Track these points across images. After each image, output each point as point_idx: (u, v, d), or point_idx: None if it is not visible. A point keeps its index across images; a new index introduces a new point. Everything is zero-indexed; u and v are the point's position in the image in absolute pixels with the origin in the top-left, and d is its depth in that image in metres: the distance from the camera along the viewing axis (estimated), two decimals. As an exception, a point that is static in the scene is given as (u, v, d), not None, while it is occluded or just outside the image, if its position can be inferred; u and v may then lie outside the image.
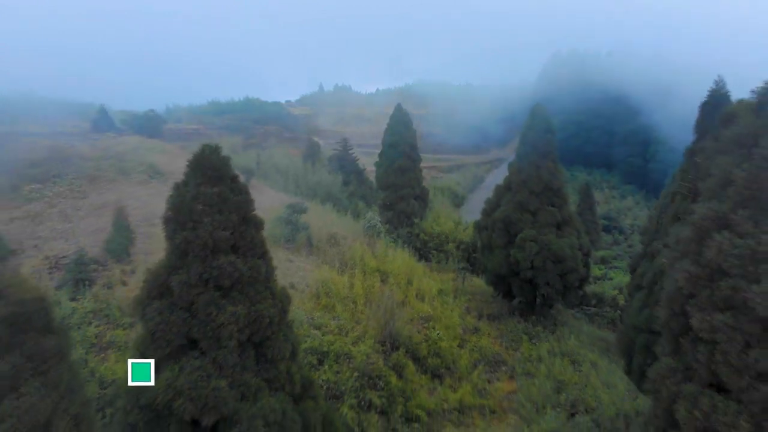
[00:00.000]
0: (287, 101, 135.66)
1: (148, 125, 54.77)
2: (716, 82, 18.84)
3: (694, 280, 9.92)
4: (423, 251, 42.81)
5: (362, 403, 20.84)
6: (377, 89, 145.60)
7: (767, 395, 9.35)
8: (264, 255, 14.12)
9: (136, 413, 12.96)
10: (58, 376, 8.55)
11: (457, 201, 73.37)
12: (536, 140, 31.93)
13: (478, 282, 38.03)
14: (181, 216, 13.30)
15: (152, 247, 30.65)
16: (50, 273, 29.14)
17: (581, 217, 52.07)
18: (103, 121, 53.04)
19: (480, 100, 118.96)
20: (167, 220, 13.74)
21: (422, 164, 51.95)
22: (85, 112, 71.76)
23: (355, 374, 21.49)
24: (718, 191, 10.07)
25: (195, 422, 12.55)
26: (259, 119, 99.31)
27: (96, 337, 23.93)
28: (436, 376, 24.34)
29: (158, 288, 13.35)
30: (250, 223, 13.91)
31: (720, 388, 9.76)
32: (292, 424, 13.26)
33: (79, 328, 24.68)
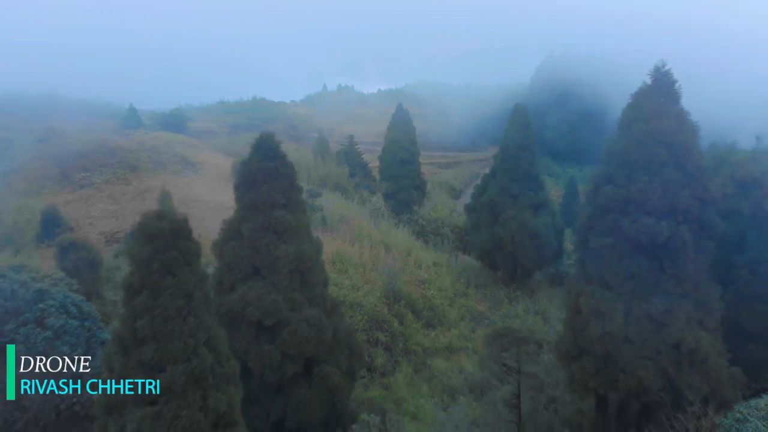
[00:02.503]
0: (292, 101, 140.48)
1: (174, 123, 60.28)
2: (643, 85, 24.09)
3: (591, 216, 15.42)
4: (421, 234, 48.20)
5: (371, 339, 26.35)
6: (378, 90, 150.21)
7: (633, 287, 14.87)
8: (304, 211, 19.69)
9: (217, 319, 18.45)
10: (197, 266, 13.98)
11: (454, 195, 78.73)
12: (517, 135, 37.39)
13: (469, 259, 43.36)
14: (248, 182, 18.87)
15: (191, 225, 36.11)
16: (107, 244, 34.72)
17: (567, 208, 57.57)
18: (132, 118, 58.56)
19: (477, 100, 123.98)
20: (237, 186, 19.34)
21: (422, 161, 57.63)
22: (104, 110, 77.09)
23: (366, 318, 27.00)
24: (607, 158, 15.58)
25: (259, 324, 18.05)
26: (267, 118, 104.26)
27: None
28: (429, 325, 29.83)
29: (232, 233, 18.91)
30: (294, 188, 19.47)
31: (606, 286, 15.24)
32: (325, 329, 18.76)
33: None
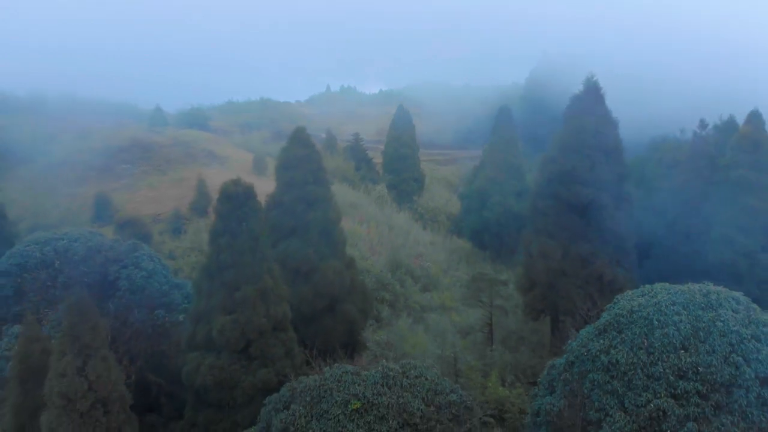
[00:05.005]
0: (297, 101, 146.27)
1: (197, 121, 66.42)
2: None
3: (540, 186, 21.36)
4: (420, 221, 54.15)
5: (378, 297, 32.18)
6: (380, 90, 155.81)
7: (568, 236, 20.79)
8: (328, 187, 25.64)
9: (264, 268, 24.36)
10: (260, 218, 19.92)
11: (452, 189, 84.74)
12: (502, 133, 43.43)
13: (462, 242, 49.24)
14: (286, 165, 24.82)
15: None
16: (152, 224, 40.65)
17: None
18: (158, 117, 64.69)
19: (475, 101, 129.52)
20: (278, 168, 25.29)
21: (421, 158, 63.78)
22: (121, 110, 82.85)
23: (373, 281, 32.91)
24: (553, 145, 21.53)
25: (296, 270, 23.96)
26: (275, 118, 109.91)
27: (196, 262, 35.30)
28: (426, 289, 35.73)
29: (274, 204, 24.86)
30: (321, 169, 25.43)
31: (549, 235, 21.15)
32: (345, 276, 24.68)
33: (182, 257, 36.24)
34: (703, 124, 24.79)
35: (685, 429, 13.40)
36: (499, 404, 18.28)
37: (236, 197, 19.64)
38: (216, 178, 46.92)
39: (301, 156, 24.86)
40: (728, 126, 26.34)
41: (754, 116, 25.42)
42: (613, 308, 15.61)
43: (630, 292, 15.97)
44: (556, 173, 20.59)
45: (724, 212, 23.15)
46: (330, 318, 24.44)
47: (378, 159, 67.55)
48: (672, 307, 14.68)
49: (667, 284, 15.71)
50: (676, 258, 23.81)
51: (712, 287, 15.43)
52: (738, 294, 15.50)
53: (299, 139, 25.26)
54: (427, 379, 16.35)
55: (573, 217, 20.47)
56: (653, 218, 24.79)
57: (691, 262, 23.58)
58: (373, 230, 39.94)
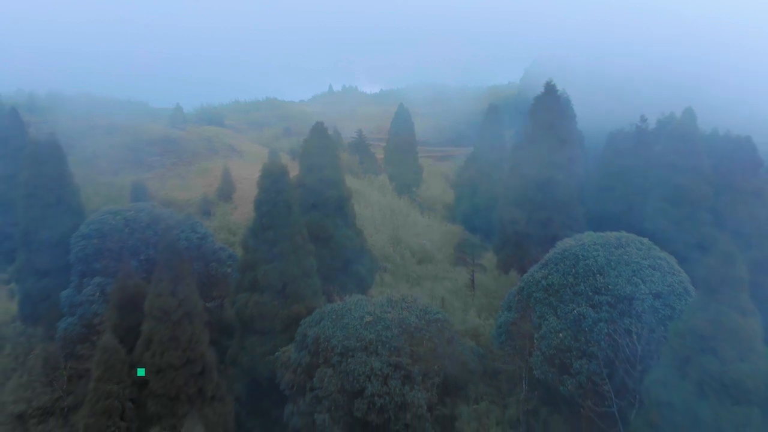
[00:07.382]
0: (300, 100, 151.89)
1: (215, 119, 72.36)
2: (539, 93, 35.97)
3: (510, 168, 27.22)
4: (418, 209, 60.06)
5: (381, 267, 38.10)
6: (381, 90, 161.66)
7: (531, 206, 26.69)
8: (341, 171, 31.58)
9: (290, 235, 30.33)
10: (292, 191, 25.85)
11: (448, 182, 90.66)
12: (491, 128, 49.38)
13: (455, 227, 55.12)
14: (308, 153, 30.78)
15: (242, 195, 48.08)
16: (185, 207, 46.55)
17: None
18: (178, 115, 70.45)
19: (472, 100, 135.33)
20: (302, 155, 31.26)
21: (420, 154, 69.83)
22: (133, 108, 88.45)
23: (377, 253, 38.84)
24: (522, 135, 27.40)
25: (317, 237, 29.87)
26: (281, 116, 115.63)
27: (225, 239, 41.25)
28: (422, 262, 41.66)
29: (298, 184, 30.77)
30: (336, 156, 31.43)
31: (517, 205, 27.04)
32: (355, 242, 30.67)
33: (215, 235, 42.12)
34: (643, 119, 30.74)
35: (598, 327, 19.36)
36: (475, 329, 24.23)
37: (274, 174, 25.60)
38: (238, 169, 53.00)
39: (320, 145, 30.85)
40: (669, 120, 32.27)
41: (688, 112, 31.36)
42: (553, 249, 21.59)
43: (566, 239, 21.95)
44: (523, 156, 26.51)
45: (659, 189, 29.06)
46: (344, 276, 30.40)
47: (379, 154, 73.57)
48: (593, 246, 20.65)
49: (592, 232, 21.68)
50: (621, 226, 29.44)
51: (624, 233, 21.40)
52: (644, 239, 21.45)
53: (318, 131, 31.25)
54: (420, 303, 22.36)
55: (535, 192, 26.38)
56: (605, 194, 30.74)
57: (633, 229, 29.42)
58: (376, 213, 45.87)
